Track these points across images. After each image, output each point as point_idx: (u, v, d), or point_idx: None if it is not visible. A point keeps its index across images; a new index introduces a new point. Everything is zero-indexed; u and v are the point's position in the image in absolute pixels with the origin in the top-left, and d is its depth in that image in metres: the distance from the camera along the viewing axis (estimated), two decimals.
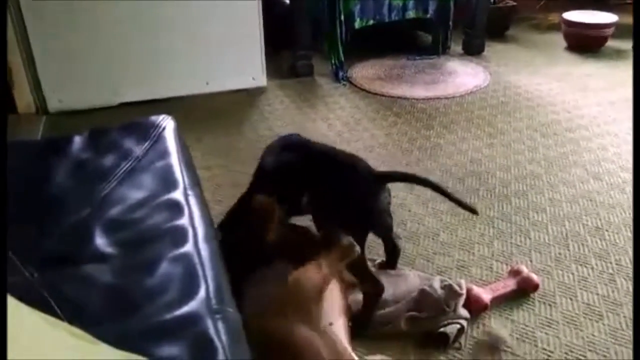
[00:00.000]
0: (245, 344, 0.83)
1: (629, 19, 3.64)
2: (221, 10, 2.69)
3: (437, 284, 1.44)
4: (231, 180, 2.10)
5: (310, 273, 1.23)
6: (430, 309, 1.40)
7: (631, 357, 1.33)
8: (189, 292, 0.86)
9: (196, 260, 0.93)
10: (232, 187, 2.04)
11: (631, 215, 1.85)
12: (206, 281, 0.88)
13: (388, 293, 1.42)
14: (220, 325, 0.80)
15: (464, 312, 1.40)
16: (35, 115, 2.59)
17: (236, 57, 2.84)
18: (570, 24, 3.40)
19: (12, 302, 0.58)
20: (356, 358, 1.16)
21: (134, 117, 1.42)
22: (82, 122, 2.48)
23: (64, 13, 2.47)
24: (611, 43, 3.43)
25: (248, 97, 2.86)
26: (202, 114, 2.66)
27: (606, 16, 3.38)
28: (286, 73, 3.10)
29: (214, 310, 0.83)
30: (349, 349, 1.17)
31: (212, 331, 0.79)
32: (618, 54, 3.38)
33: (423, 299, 1.42)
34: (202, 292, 0.86)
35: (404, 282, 1.50)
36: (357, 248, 1.30)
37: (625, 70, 3.12)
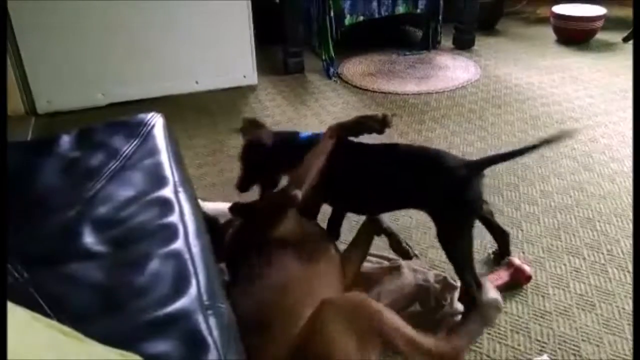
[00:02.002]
0: (238, 338, 0.83)
1: (617, 12, 3.66)
2: (211, 8, 2.68)
3: (432, 278, 1.45)
4: (223, 178, 2.09)
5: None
6: (426, 304, 1.40)
7: (624, 346, 1.34)
8: (180, 288, 0.85)
9: (187, 256, 0.92)
10: (224, 186, 2.03)
11: (621, 205, 1.87)
12: (197, 277, 0.87)
13: (383, 288, 1.42)
14: (212, 321, 0.80)
15: (460, 306, 1.40)
16: (24, 116, 2.57)
17: (226, 55, 2.83)
18: (560, 17, 3.41)
19: None
20: None
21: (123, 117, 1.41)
22: (71, 123, 2.46)
23: (51, 15, 2.45)
24: (600, 35, 3.45)
25: (239, 95, 2.84)
26: (192, 113, 2.64)
27: (595, 9, 3.40)
28: (277, 70, 3.09)
29: (206, 306, 0.82)
30: None
31: (203, 327, 0.78)
32: (607, 46, 3.40)
33: (419, 293, 1.42)
34: (193, 289, 0.85)
35: (398, 277, 1.49)
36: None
37: (615, 62, 3.14)
